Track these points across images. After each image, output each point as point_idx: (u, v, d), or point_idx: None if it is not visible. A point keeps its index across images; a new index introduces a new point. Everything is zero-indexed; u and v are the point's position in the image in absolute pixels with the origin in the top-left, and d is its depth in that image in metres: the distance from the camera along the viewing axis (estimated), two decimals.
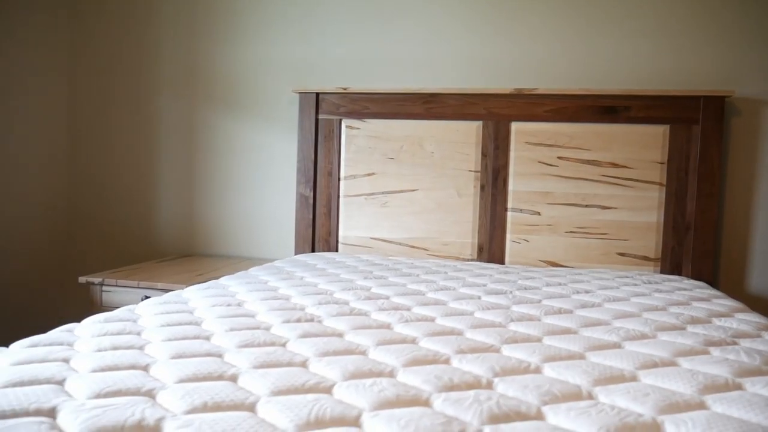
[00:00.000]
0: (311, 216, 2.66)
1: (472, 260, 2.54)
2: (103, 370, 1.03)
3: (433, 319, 1.46)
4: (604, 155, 2.42)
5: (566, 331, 1.38)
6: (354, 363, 1.09)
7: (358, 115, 2.61)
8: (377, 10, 2.65)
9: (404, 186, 2.59)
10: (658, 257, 2.40)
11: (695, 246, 2.35)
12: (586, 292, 1.85)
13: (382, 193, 2.61)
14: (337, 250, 2.66)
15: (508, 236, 2.51)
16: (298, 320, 1.40)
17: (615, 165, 2.42)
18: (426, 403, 0.93)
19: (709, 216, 2.34)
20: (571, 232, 2.46)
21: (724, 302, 1.77)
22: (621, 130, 2.41)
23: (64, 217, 2.95)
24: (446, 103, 2.53)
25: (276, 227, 2.79)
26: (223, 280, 1.86)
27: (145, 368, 1.05)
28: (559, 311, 1.58)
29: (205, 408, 0.88)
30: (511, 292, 1.81)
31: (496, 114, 2.49)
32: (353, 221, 2.64)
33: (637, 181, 2.40)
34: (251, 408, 0.90)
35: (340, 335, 1.29)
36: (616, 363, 1.14)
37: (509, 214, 2.51)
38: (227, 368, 1.04)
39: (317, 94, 2.63)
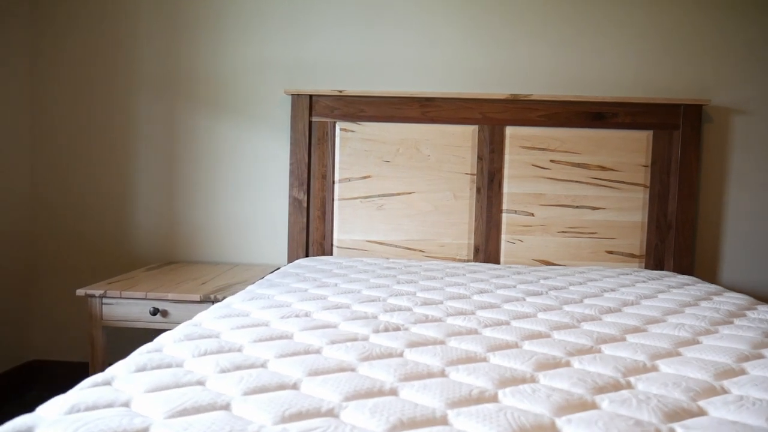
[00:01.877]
0: (305, 219, 2.63)
1: (468, 261, 2.61)
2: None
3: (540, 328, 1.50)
4: (593, 158, 2.56)
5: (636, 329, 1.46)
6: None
7: (354, 118, 2.61)
8: (372, 13, 2.66)
9: (400, 189, 2.62)
10: (642, 254, 2.57)
11: (676, 243, 2.54)
12: (623, 286, 1.95)
13: (378, 195, 2.63)
14: (331, 254, 2.64)
15: (503, 237, 2.60)
16: (386, 329, 1.39)
17: (603, 168, 2.56)
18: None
19: (688, 215, 2.53)
20: (562, 232, 2.58)
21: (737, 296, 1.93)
22: (608, 134, 2.55)
23: (26, 224, 2.75)
24: (442, 107, 2.58)
25: (266, 232, 2.73)
26: (262, 290, 1.81)
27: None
28: (610, 310, 1.66)
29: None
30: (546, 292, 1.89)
31: (491, 118, 2.57)
32: (348, 224, 2.63)
33: (623, 183, 2.56)
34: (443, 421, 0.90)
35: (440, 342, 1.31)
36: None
37: (504, 215, 2.59)
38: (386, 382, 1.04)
39: (311, 96, 2.61)
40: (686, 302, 1.78)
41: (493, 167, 2.59)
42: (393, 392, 0.99)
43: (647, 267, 2.57)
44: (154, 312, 2.08)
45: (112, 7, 2.70)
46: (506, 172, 2.58)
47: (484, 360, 1.18)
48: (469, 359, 1.17)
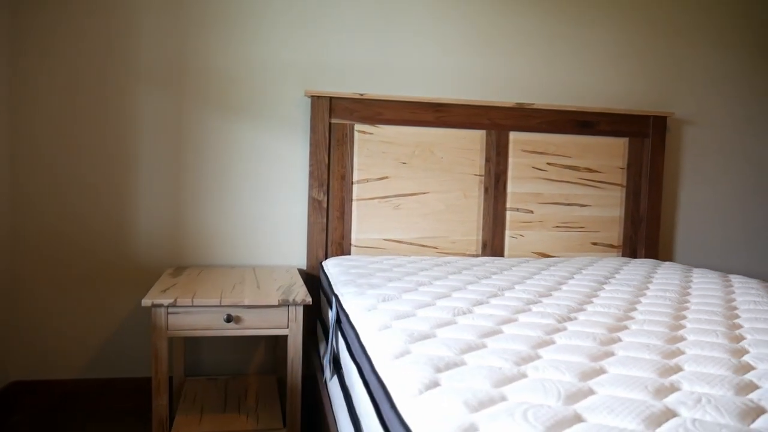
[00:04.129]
0: (325, 220, 2.67)
1: (476, 255, 2.82)
2: None
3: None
4: (582, 161, 2.90)
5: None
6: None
7: (372, 121, 2.69)
8: (389, 19, 2.75)
9: (415, 189, 2.76)
10: (620, 245, 2.96)
11: (647, 234, 2.96)
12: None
13: (395, 196, 2.74)
14: (350, 253, 2.71)
15: (507, 232, 2.85)
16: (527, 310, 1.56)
17: (590, 170, 2.91)
18: None
19: (655, 211, 2.97)
20: (557, 227, 2.89)
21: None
22: (594, 141, 2.90)
23: (11, 228, 2.47)
24: (454, 112, 2.75)
25: (281, 233, 2.72)
26: (352, 288, 1.88)
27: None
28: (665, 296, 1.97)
29: None
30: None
31: (497, 124, 2.80)
32: (366, 224, 2.72)
33: (605, 183, 2.93)
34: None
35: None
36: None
37: (508, 213, 2.84)
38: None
39: (330, 98, 2.65)
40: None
41: (498, 169, 2.82)
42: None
43: (623, 255, 2.97)
44: (229, 319, 2.03)
45: None
46: (510, 173, 2.83)
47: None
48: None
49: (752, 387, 1.11)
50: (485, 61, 2.85)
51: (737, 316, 1.66)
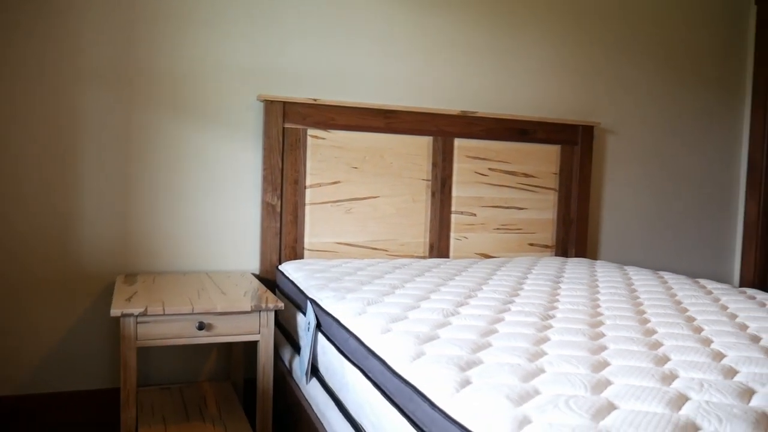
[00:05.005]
0: (278, 224, 2.68)
1: (424, 257, 2.92)
2: None
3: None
4: (520, 167, 3.07)
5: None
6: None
7: (324, 126, 2.73)
8: (341, 26, 2.79)
9: (367, 193, 2.82)
10: (553, 245, 3.17)
11: (577, 235, 3.19)
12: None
13: (347, 200, 2.79)
14: (303, 257, 2.73)
15: (452, 235, 2.97)
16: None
17: (527, 175, 3.09)
18: None
19: (584, 212, 3.20)
20: (497, 229, 3.05)
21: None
22: (531, 148, 3.09)
23: None
24: (404, 119, 2.84)
25: (233, 238, 2.69)
26: (329, 292, 1.92)
27: None
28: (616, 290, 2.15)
29: None
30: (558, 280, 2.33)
31: (444, 131, 2.91)
32: (319, 228, 2.75)
33: (541, 187, 3.12)
34: None
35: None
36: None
37: (453, 216, 2.97)
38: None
39: (284, 103, 2.65)
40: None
41: (444, 174, 2.94)
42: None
43: (557, 255, 3.18)
44: (201, 327, 2.01)
45: None
46: (455, 178, 2.96)
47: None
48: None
49: (721, 355, 1.27)
50: (434, 70, 2.96)
51: (687, 309, 1.85)
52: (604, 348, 1.41)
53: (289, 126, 2.67)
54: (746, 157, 3.66)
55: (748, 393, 1.14)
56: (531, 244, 3.12)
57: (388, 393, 1.38)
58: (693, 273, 3.62)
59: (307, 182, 2.72)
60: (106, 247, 2.51)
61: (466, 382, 1.18)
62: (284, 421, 2.23)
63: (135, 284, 2.30)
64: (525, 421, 1.00)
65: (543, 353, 1.36)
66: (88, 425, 2.51)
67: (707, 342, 1.48)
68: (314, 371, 2.00)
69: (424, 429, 1.18)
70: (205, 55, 2.60)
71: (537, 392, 1.13)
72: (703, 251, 3.63)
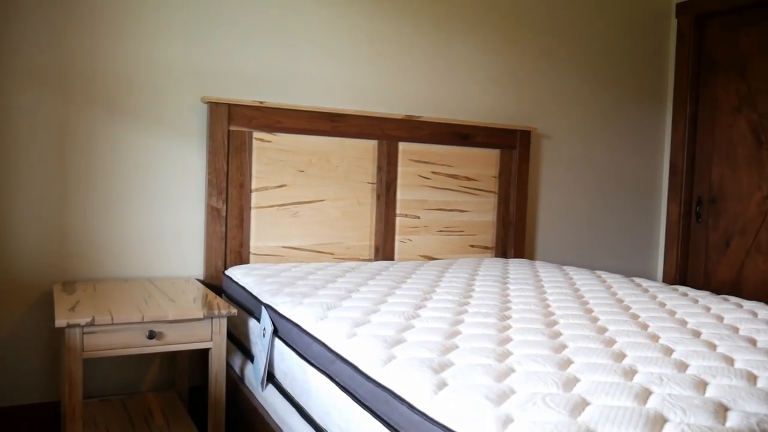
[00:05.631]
0: (223, 229, 2.63)
1: (369, 260, 2.94)
2: None
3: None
4: (462, 170, 3.14)
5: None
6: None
7: (270, 129, 2.70)
8: (286, 28, 2.76)
9: (312, 197, 2.81)
10: (493, 246, 3.26)
11: (515, 236, 3.29)
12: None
13: (293, 203, 2.77)
14: (248, 262, 2.69)
15: (397, 237, 3.01)
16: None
17: (468, 178, 3.16)
18: None
19: (522, 214, 3.31)
20: (440, 231, 3.11)
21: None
22: (472, 152, 3.16)
23: None
24: (350, 122, 2.85)
25: (175, 243, 2.61)
26: (285, 297, 1.92)
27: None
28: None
29: None
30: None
31: (389, 135, 2.94)
32: (264, 232, 2.72)
33: (482, 190, 3.20)
34: None
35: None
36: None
37: (397, 219, 3.00)
38: None
39: (229, 105, 2.61)
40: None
41: (389, 177, 2.97)
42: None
43: (497, 256, 3.27)
44: (151, 335, 1.95)
45: None
46: (399, 181, 2.99)
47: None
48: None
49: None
50: (379, 74, 2.99)
51: (630, 307, 1.96)
52: (564, 346, 1.47)
53: (234, 128, 2.63)
54: (668, 162, 3.88)
55: (702, 385, 1.22)
56: (472, 246, 3.20)
57: (358, 397, 1.38)
58: (621, 270, 3.80)
59: (253, 186, 2.69)
60: (40, 254, 2.39)
61: (442, 384, 1.21)
62: (236, 429, 2.19)
63: (75, 293, 2.20)
64: (508, 419, 1.04)
65: (509, 353, 1.40)
66: None
67: (655, 338, 1.58)
68: (270, 378, 1.98)
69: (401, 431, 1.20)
70: (147, 54, 2.52)
71: (513, 391, 1.16)
72: (630, 250, 3.83)
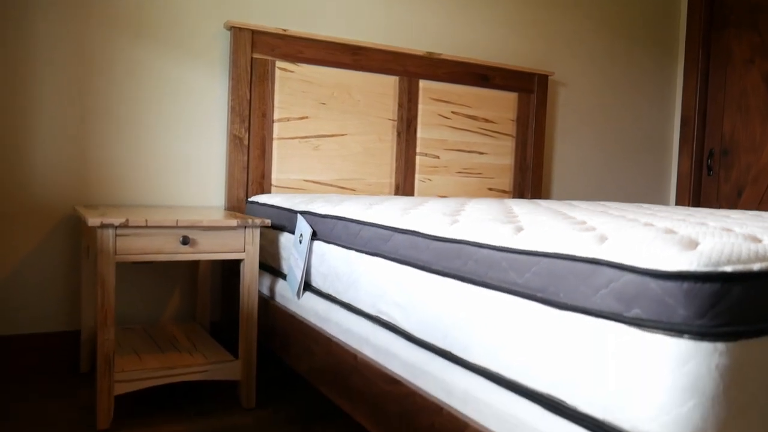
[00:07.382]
0: (246, 158, 2.58)
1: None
2: None
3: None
4: (480, 112, 3.12)
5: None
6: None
7: (293, 59, 2.66)
8: None
9: (334, 130, 2.77)
10: (511, 190, 3.24)
11: (533, 180, 3.27)
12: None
13: (315, 136, 2.73)
14: (270, 192, 2.65)
15: (417, 176, 2.97)
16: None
17: (487, 120, 3.14)
18: None
19: (539, 160, 3.29)
20: (459, 172, 3.08)
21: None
22: (490, 93, 3.14)
23: None
24: (370, 56, 2.82)
25: (196, 172, 2.56)
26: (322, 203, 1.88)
27: None
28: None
29: None
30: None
31: (409, 71, 2.91)
32: (286, 164, 2.67)
33: (500, 133, 3.18)
34: None
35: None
36: None
37: (418, 157, 2.97)
38: None
39: (252, 31, 2.56)
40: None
41: (410, 115, 2.93)
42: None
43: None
44: (185, 241, 1.90)
45: None
46: (420, 119, 2.96)
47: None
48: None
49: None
50: (402, 6, 2.95)
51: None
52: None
53: (257, 56, 2.58)
54: (680, 114, 3.89)
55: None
56: (490, 189, 3.17)
57: (420, 264, 1.35)
58: None
59: (275, 116, 2.64)
60: (61, 178, 2.33)
61: (518, 229, 1.18)
62: (266, 345, 2.15)
63: (100, 209, 2.15)
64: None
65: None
66: (49, 369, 2.32)
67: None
68: (306, 288, 1.94)
69: (476, 279, 1.17)
70: None
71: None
72: (642, 201, 3.83)
